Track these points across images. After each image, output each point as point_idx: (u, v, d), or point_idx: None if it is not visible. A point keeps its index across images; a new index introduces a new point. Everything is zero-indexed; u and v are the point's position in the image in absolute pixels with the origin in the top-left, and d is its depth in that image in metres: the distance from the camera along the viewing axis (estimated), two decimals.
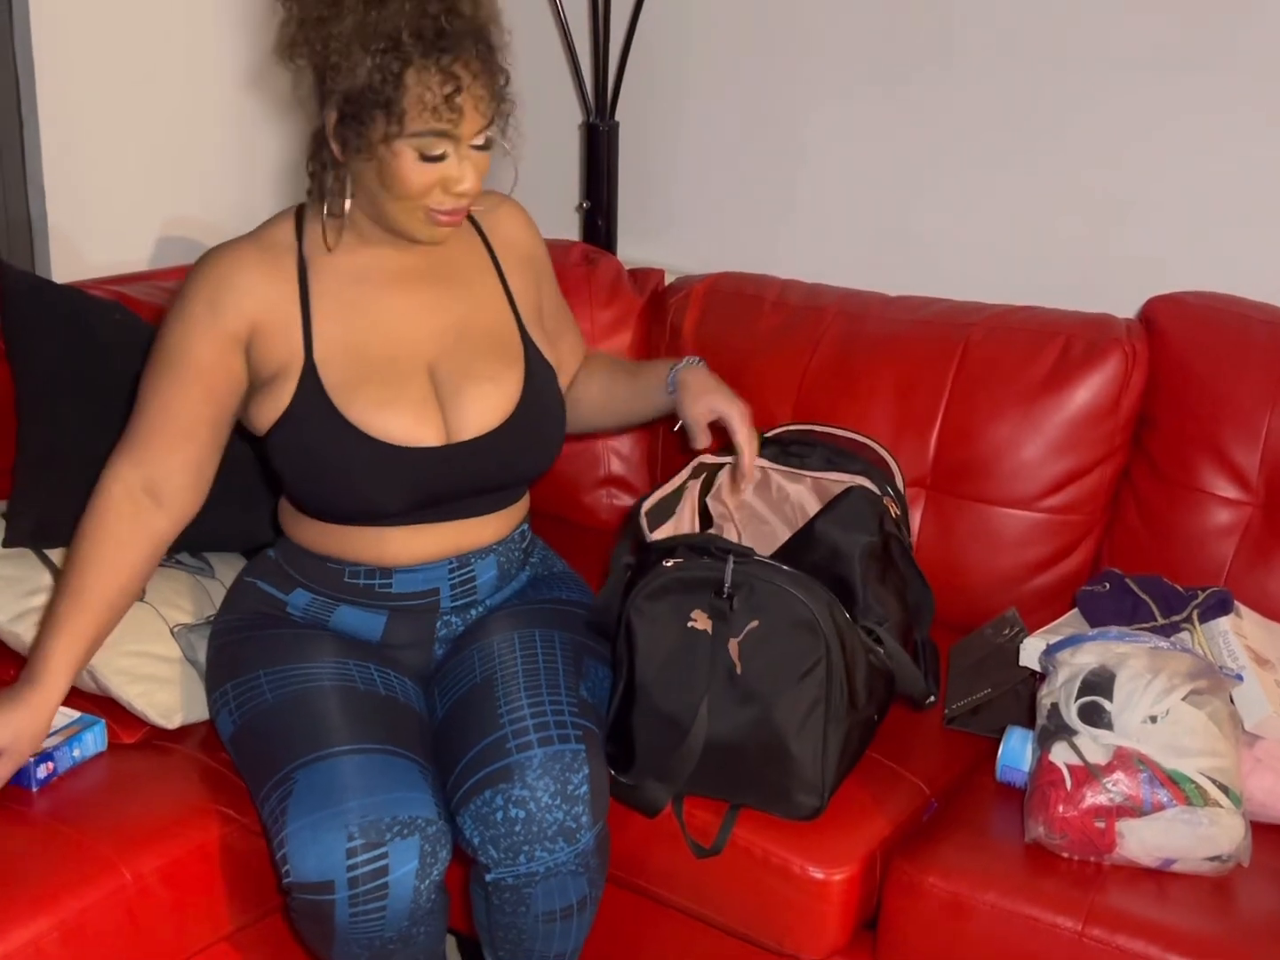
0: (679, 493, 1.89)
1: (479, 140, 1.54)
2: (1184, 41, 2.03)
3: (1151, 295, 2.01)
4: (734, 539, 2.00)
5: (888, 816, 1.62)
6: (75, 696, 1.72)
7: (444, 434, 1.63)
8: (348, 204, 1.59)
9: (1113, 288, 2.11)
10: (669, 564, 1.58)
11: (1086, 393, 1.93)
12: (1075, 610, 1.80)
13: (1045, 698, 1.58)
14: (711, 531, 2.01)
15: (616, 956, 1.77)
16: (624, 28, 2.43)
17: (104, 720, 1.65)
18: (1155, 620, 1.69)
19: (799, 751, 1.54)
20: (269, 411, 1.61)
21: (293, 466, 1.62)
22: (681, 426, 1.76)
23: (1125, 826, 1.46)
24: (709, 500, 1.98)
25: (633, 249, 2.61)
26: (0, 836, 1.48)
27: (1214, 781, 1.46)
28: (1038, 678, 1.68)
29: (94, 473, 1.83)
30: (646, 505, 1.75)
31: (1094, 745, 1.49)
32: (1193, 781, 1.45)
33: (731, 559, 1.55)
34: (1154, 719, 1.48)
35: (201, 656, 1.75)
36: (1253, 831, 1.51)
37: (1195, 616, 1.68)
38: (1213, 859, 1.46)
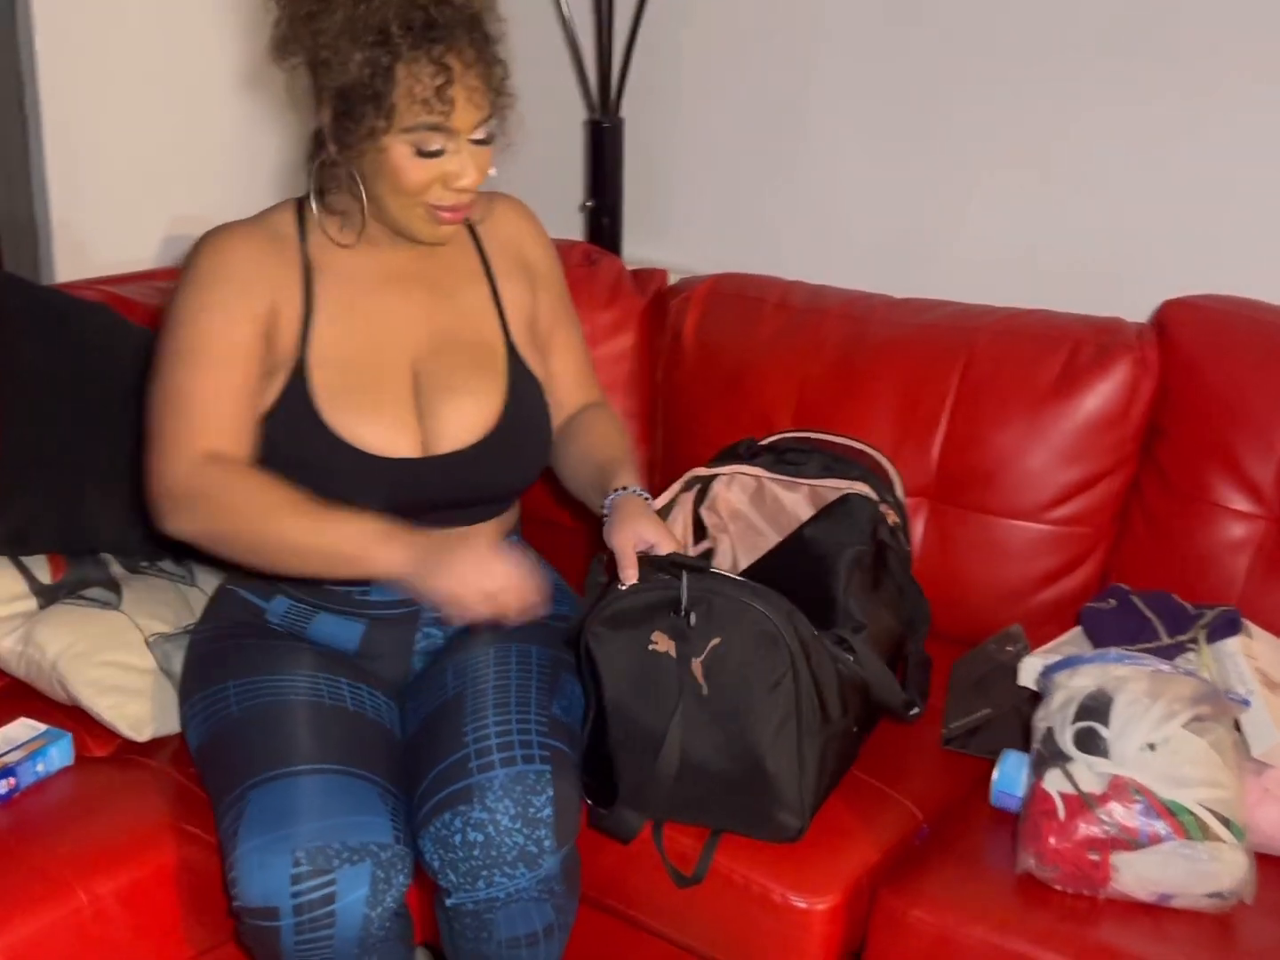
0: (669, 507, 1.84)
1: (478, 134, 1.49)
2: (1204, 44, 1.95)
3: (1168, 299, 1.93)
4: (728, 552, 1.95)
5: (876, 842, 1.56)
6: (47, 707, 1.70)
7: (420, 446, 1.59)
8: (349, 200, 1.55)
9: (1130, 291, 2.03)
10: (624, 586, 1.52)
11: (1094, 400, 1.85)
12: (1079, 628, 1.72)
13: (1041, 721, 1.51)
14: (706, 544, 1.97)
15: None
16: (628, 21, 2.36)
17: (70, 734, 1.62)
18: (1160, 640, 1.62)
19: (775, 769, 1.48)
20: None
21: (272, 465, 1.57)
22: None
23: (1120, 860, 1.39)
24: (703, 511, 1.93)
25: (639, 248, 2.55)
26: None
27: (1214, 814, 1.38)
28: (1037, 699, 1.61)
29: (74, 479, 1.81)
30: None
31: (1089, 773, 1.42)
32: (1191, 813, 1.38)
33: (685, 575, 1.49)
34: (1152, 746, 1.41)
35: (177, 667, 1.72)
36: (1259, 865, 1.44)
37: (1202, 637, 1.61)
38: (1213, 895, 1.39)
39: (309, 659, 1.60)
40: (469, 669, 1.60)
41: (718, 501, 1.92)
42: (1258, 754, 1.51)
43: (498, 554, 1.46)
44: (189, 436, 1.50)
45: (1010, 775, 1.56)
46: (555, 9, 2.46)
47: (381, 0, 1.43)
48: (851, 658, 1.56)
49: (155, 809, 1.56)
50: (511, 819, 1.42)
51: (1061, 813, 1.42)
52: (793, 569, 1.72)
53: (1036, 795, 1.45)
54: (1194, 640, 1.61)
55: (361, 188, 1.53)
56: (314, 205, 1.60)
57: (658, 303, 2.30)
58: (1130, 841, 1.38)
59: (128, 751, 1.67)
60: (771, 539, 1.89)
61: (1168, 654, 1.59)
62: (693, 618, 1.48)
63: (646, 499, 1.65)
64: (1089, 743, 1.43)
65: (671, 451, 2.21)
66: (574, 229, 2.56)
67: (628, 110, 2.45)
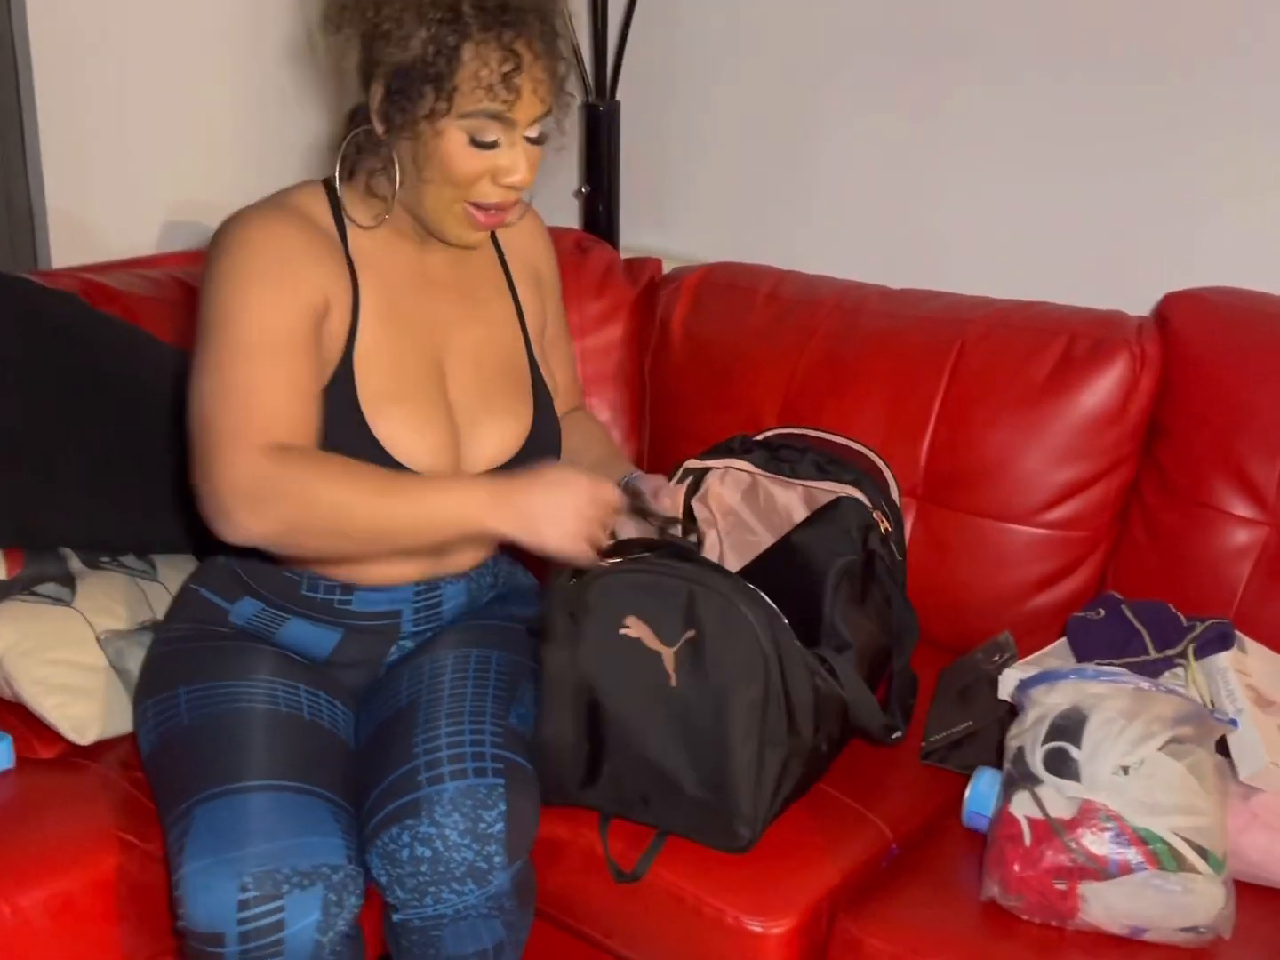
0: None
1: (534, 131, 1.43)
2: (1207, 37, 1.85)
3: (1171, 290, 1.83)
4: (715, 547, 1.89)
5: (840, 862, 1.48)
6: None
7: (456, 464, 1.53)
8: (386, 184, 1.47)
9: (1139, 283, 1.93)
10: (605, 563, 1.47)
11: (1091, 397, 1.76)
12: (1065, 639, 1.63)
13: (1013, 739, 1.42)
14: (692, 537, 1.91)
15: None
16: (624, 2, 2.29)
17: (10, 736, 1.57)
18: (1147, 654, 1.53)
19: (732, 775, 1.42)
20: None
21: None
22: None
23: (1089, 890, 1.31)
24: (694, 503, 1.87)
25: (637, 236, 2.48)
26: None
27: (1190, 843, 1.30)
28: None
29: (33, 472, 1.76)
30: None
31: (1058, 797, 1.34)
32: (1165, 842, 1.29)
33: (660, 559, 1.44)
34: (1125, 770, 1.32)
35: (131, 665, 1.67)
36: (1245, 896, 1.35)
37: (1190, 651, 1.51)
38: (1188, 930, 1.30)
39: (267, 663, 1.54)
40: (426, 676, 1.54)
41: (709, 495, 1.86)
42: (1245, 777, 1.42)
43: (576, 490, 1.41)
44: (252, 431, 1.37)
45: (983, 795, 1.48)
46: None
47: None
48: (832, 677, 1.49)
49: (93, 816, 1.50)
50: (461, 834, 1.36)
51: (1027, 838, 1.33)
52: (780, 577, 1.64)
53: (1003, 819, 1.37)
54: (1182, 655, 1.51)
55: (399, 172, 1.45)
56: (345, 189, 1.51)
57: (649, 293, 2.23)
58: (1099, 871, 1.30)
59: (74, 754, 1.62)
60: (762, 537, 1.82)
61: (1153, 669, 1.50)
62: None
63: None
64: (1059, 764, 1.35)
65: (658, 447, 2.14)
66: (570, 216, 2.49)
67: (624, 94, 2.37)
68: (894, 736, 1.56)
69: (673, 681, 1.43)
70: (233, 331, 1.41)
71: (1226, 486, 1.70)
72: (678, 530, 1.68)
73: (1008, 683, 1.55)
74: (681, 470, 1.80)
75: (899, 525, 1.74)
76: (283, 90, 2.42)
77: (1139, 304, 1.89)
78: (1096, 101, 1.96)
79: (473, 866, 1.36)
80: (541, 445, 1.60)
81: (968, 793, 1.50)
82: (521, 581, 1.76)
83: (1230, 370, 1.71)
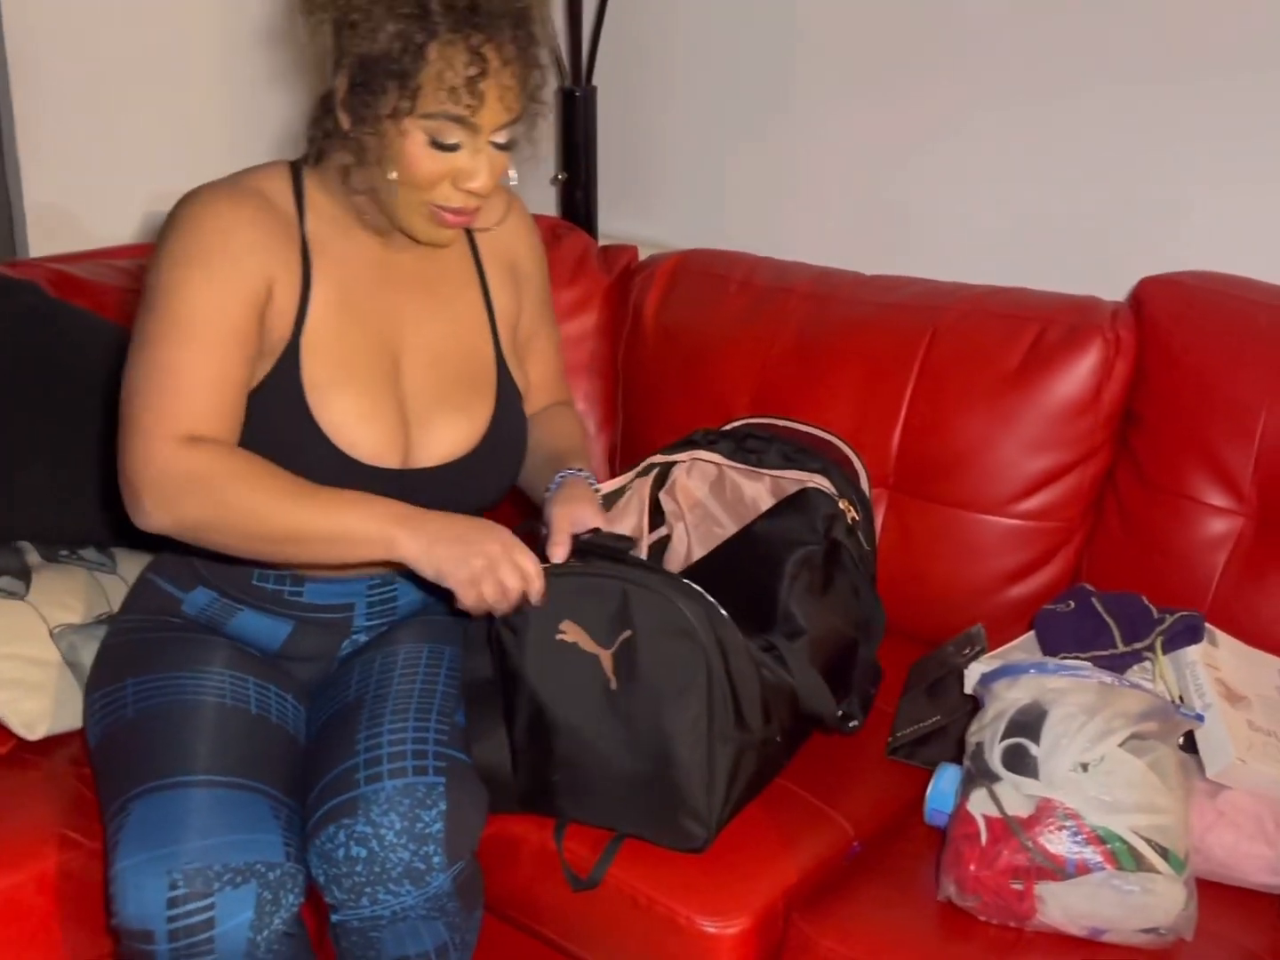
0: (621, 492, 1.74)
1: (501, 138, 1.39)
2: (1185, 24, 1.80)
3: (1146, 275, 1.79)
4: (683, 540, 1.86)
5: (799, 860, 1.45)
6: None
7: (404, 458, 1.49)
8: (360, 177, 1.43)
9: (1117, 267, 1.89)
10: (550, 563, 1.43)
11: (1063, 384, 1.72)
12: (1033, 632, 1.59)
13: (973, 735, 1.39)
14: (662, 530, 1.88)
15: None
16: None
17: None
18: (1115, 648, 1.49)
19: (683, 774, 1.38)
20: None
21: (244, 445, 1.43)
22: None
23: (1045, 890, 1.27)
24: (662, 496, 1.84)
25: (616, 223, 2.45)
26: None
27: (1150, 842, 1.26)
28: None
29: None
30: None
31: (1016, 795, 1.30)
32: (1124, 841, 1.25)
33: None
34: (1085, 767, 1.28)
35: (85, 659, 1.65)
36: (1211, 896, 1.32)
37: (1159, 645, 1.47)
38: (1148, 931, 1.27)
39: (217, 655, 1.51)
40: (375, 670, 1.52)
41: (677, 488, 1.83)
42: (1212, 774, 1.38)
43: (489, 531, 1.37)
44: (171, 419, 1.34)
45: (944, 792, 1.45)
46: None
47: None
48: (779, 664, 1.45)
49: (38, 813, 1.48)
50: (397, 834, 1.33)
51: (984, 837, 1.30)
52: (739, 565, 1.62)
53: (960, 817, 1.33)
54: (1150, 648, 1.47)
55: (366, 168, 1.41)
56: (309, 173, 1.48)
57: (624, 280, 2.19)
58: (1056, 871, 1.26)
59: (25, 750, 1.60)
60: (729, 530, 1.79)
61: (1120, 663, 1.46)
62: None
63: (596, 489, 1.57)
64: (1017, 761, 1.31)
65: (631, 438, 2.11)
66: (548, 204, 2.46)
67: (601, 78, 2.33)
68: (850, 725, 1.52)
69: (613, 684, 1.39)
70: (166, 312, 1.37)
71: (1202, 476, 1.65)
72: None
73: (972, 676, 1.51)
74: (644, 465, 1.76)
75: (869, 516, 1.70)
76: (264, 78, 2.40)
77: (1119, 289, 1.85)
78: (1073, 87, 1.91)
79: (409, 867, 1.33)
80: (498, 446, 1.56)
81: (929, 790, 1.47)
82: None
83: (1205, 357, 1.66)
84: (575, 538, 1.46)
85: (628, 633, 1.39)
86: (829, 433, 1.79)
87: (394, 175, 1.39)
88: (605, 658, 1.39)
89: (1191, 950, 1.28)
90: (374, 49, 1.33)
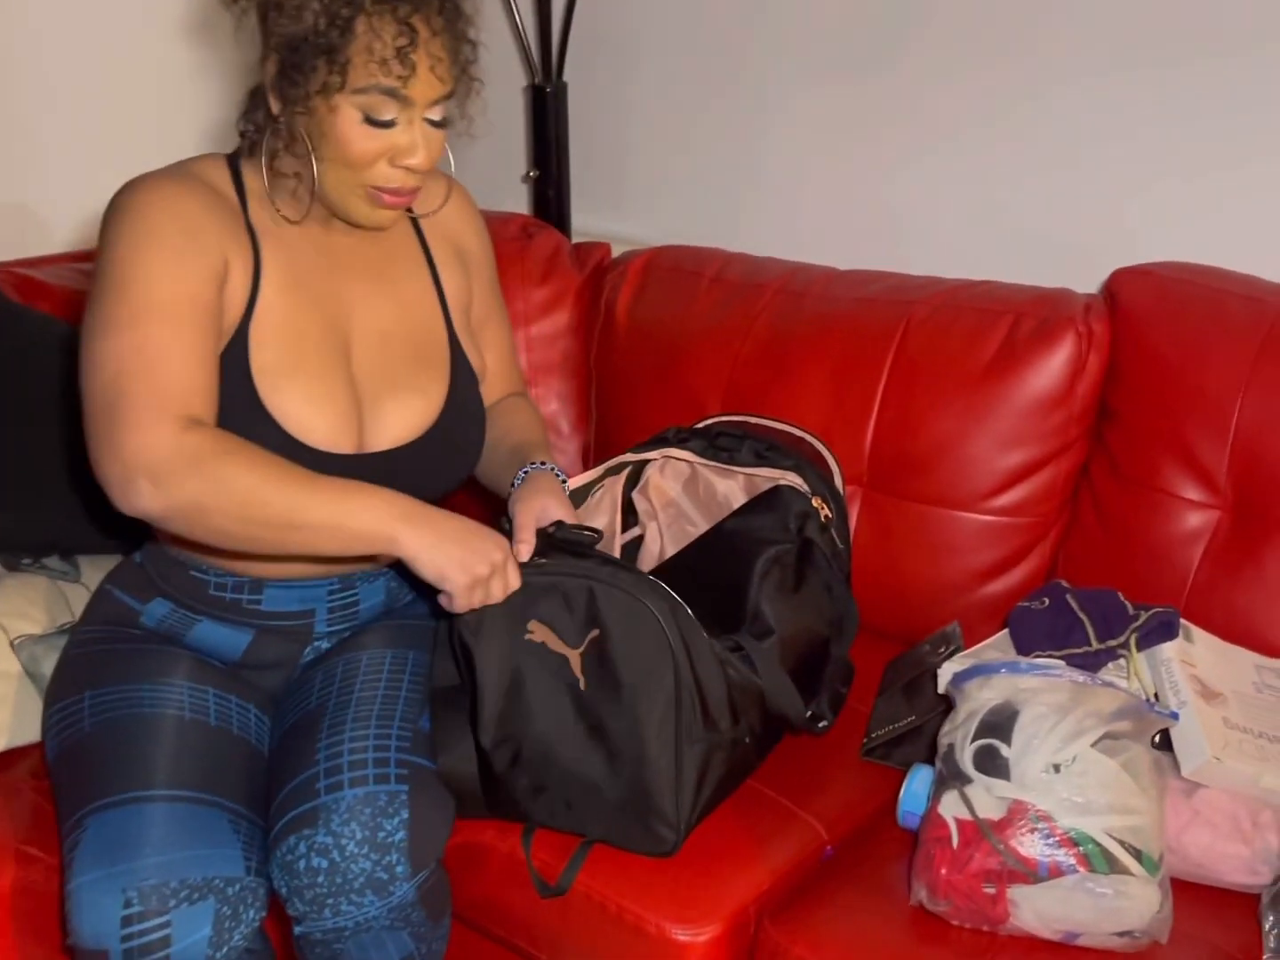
0: (589, 488, 1.72)
1: (434, 114, 1.37)
2: (1163, 15, 1.79)
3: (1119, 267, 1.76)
4: (656, 540, 1.83)
5: (771, 864, 1.43)
6: None
7: (358, 443, 1.46)
8: (298, 164, 1.41)
9: (1090, 259, 1.86)
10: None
11: (1036, 378, 1.70)
12: (1007, 630, 1.57)
13: (944, 736, 1.37)
14: (635, 530, 1.86)
15: None
16: None
17: None
18: (1089, 645, 1.47)
19: (650, 776, 1.36)
20: None
21: None
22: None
23: (1018, 894, 1.25)
24: (635, 495, 1.82)
25: (589, 220, 2.42)
26: None
27: (1124, 844, 1.24)
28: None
29: None
30: None
31: (987, 797, 1.28)
32: (1096, 843, 1.23)
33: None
34: (1056, 768, 1.26)
35: (46, 670, 1.62)
36: (1187, 896, 1.30)
37: (1133, 642, 1.45)
38: (1123, 934, 1.24)
39: (176, 666, 1.48)
40: (338, 677, 1.49)
41: (650, 487, 1.81)
42: (1188, 773, 1.36)
43: (491, 536, 1.35)
44: (168, 401, 1.30)
45: (917, 794, 1.42)
46: None
47: None
48: (745, 664, 1.43)
49: None
50: (359, 844, 1.31)
51: (955, 840, 1.28)
52: (709, 563, 1.60)
53: (931, 820, 1.31)
54: (1125, 646, 1.45)
55: (300, 153, 1.39)
56: (247, 164, 1.45)
57: (597, 278, 2.16)
58: (1029, 874, 1.24)
59: None
60: (703, 529, 1.76)
61: (1094, 661, 1.44)
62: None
63: (561, 479, 1.55)
64: (989, 763, 1.29)
65: (605, 437, 2.08)
66: (519, 202, 2.43)
67: (571, 74, 2.31)
68: (819, 726, 1.50)
69: (582, 684, 1.37)
70: (135, 292, 1.33)
71: (1177, 469, 1.63)
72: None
73: (944, 676, 1.49)
74: (615, 463, 1.74)
75: (842, 513, 1.68)
76: (235, 76, 2.37)
77: (1091, 281, 1.83)
78: (1043, 77, 1.89)
79: (372, 877, 1.31)
80: (455, 425, 1.54)
81: (902, 792, 1.45)
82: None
83: (1180, 349, 1.64)
84: (540, 532, 1.44)
85: (595, 632, 1.37)
86: (802, 429, 1.77)
87: (330, 155, 1.36)
88: (574, 658, 1.37)
89: (1167, 953, 1.26)
90: (300, 28, 1.32)
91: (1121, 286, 1.72)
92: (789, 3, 2.12)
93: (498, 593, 1.35)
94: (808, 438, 1.77)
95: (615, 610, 1.35)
